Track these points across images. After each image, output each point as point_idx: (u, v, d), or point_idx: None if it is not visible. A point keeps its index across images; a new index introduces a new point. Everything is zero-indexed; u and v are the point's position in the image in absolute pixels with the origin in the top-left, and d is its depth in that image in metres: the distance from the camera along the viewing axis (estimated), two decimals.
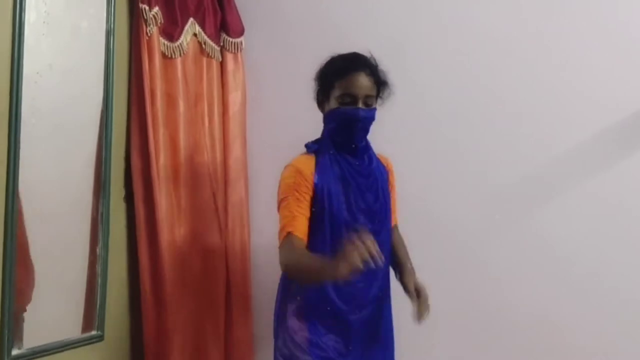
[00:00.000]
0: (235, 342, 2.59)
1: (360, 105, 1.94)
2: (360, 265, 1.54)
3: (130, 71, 2.36)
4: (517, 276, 2.42)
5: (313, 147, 2.01)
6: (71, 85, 2.11)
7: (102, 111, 2.22)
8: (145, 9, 2.30)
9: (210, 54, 2.64)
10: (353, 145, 1.99)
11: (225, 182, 2.66)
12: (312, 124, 2.09)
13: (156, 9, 2.35)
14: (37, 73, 1.95)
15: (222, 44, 2.70)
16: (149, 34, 2.33)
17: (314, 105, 2.08)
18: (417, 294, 2.02)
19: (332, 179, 1.95)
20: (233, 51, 2.72)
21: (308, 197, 1.90)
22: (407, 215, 2.43)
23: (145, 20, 2.31)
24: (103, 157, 2.22)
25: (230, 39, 2.71)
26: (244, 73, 2.76)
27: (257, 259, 2.70)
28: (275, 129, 2.30)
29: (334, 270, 1.60)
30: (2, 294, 1.83)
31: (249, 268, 2.69)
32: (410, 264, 2.12)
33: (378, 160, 2.09)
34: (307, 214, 1.89)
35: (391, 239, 2.11)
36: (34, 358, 1.94)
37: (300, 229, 1.86)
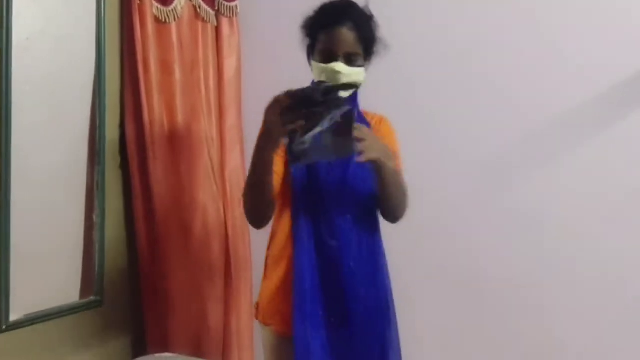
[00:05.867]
0: (235, 306, 2.62)
1: (341, 62, 1.78)
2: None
3: (122, 37, 2.33)
4: (498, 245, 2.44)
5: None
6: (63, 51, 2.09)
7: (95, 78, 2.20)
8: None
9: (205, 18, 2.60)
10: None
11: (222, 149, 2.65)
12: None
13: None
14: (27, 39, 1.93)
15: (216, 7, 2.66)
16: None
17: (310, 69, 1.98)
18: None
19: None
20: (228, 15, 2.68)
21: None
22: None
23: None
24: (97, 124, 2.20)
25: (226, 3, 2.66)
26: (239, 38, 2.73)
27: None
28: (270, 95, 2.28)
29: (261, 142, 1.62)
30: None
31: (247, 233, 2.70)
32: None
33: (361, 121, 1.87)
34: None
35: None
36: (32, 324, 1.96)
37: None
